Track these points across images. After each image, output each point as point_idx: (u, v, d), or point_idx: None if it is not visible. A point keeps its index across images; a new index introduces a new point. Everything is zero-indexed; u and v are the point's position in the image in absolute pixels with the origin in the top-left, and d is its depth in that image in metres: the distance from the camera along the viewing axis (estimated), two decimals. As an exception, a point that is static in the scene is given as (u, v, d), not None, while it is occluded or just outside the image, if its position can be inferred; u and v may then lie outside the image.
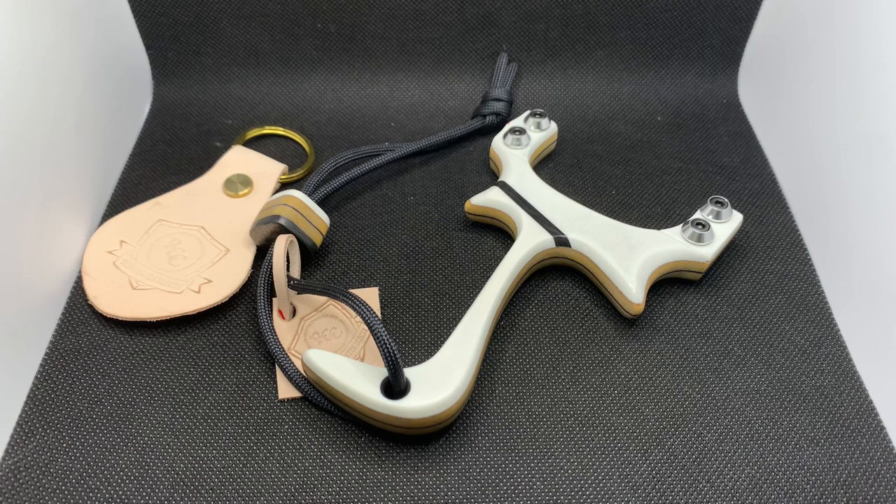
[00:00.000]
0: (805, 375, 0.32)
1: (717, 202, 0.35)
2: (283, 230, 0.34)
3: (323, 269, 0.36)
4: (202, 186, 0.39)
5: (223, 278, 0.34)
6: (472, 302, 0.33)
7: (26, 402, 0.30)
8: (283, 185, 0.40)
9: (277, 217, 0.34)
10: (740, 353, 0.33)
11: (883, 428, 0.31)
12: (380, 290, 0.35)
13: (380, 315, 0.34)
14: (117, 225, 0.37)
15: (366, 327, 0.31)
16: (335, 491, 0.28)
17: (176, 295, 0.33)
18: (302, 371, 0.31)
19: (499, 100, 0.44)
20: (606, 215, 0.36)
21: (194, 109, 0.45)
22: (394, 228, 0.38)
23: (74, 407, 0.30)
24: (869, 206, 0.35)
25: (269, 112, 0.45)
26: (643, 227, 0.37)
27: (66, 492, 0.28)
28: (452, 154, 0.43)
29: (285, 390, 0.31)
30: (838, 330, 0.34)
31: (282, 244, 0.32)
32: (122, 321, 0.33)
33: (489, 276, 0.33)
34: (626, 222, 0.37)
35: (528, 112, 0.42)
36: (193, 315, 0.33)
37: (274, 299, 0.34)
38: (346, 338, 0.33)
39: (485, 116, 0.44)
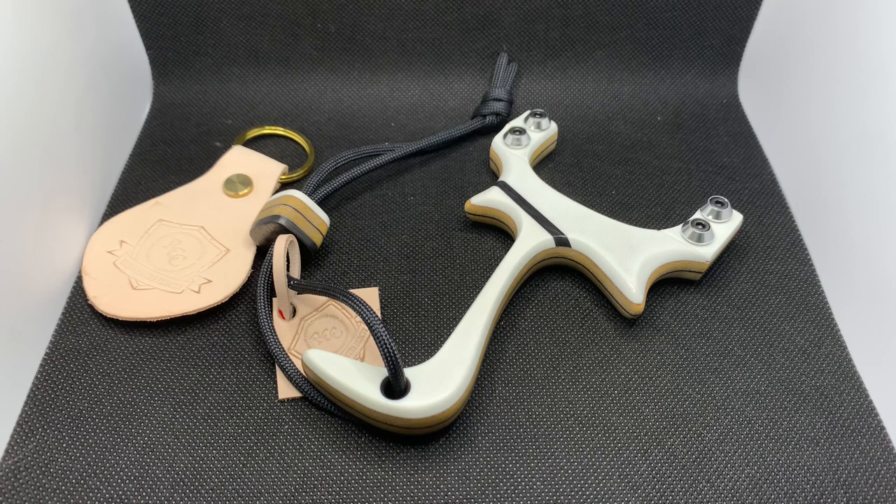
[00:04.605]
0: (805, 375, 0.32)
1: (717, 202, 0.35)
2: (283, 230, 0.34)
3: (323, 269, 0.36)
4: (202, 186, 0.39)
5: (223, 278, 0.34)
6: (472, 302, 0.33)
7: (26, 402, 0.30)
8: (283, 185, 0.40)
9: (277, 217, 0.34)
10: (740, 353, 0.33)
11: (883, 428, 0.31)
12: (380, 290, 0.35)
13: (380, 315, 0.34)
14: (117, 225, 0.37)
15: (366, 327, 0.31)
16: (335, 491, 0.28)
17: (176, 295, 0.33)
18: (302, 371, 0.31)
19: (499, 100, 0.44)
20: (606, 215, 0.36)
21: (194, 109, 0.45)
22: (394, 228, 0.38)
23: (74, 407, 0.30)
24: (869, 206, 0.35)
25: (269, 112, 0.45)
26: (643, 227, 0.37)
27: (66, 492, 0.28)
28: (452, 154, 0.43)
29: (285, 390, 0.31)
30: (838, 330, 0.34)
31: (282, 244, 0.32)
32: (122, 321, 0.33)
33: (489, 276, 0.33)
34: (626, 222, 0.37)
35: (528, 112, 0.42)
36: (193, 315, 0.33)
37: (274, 299, 0.34)
38: (346, 338, 0.33)
39: (485, 116, 0.44)
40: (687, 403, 0.31)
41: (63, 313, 0.34)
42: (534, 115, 0.42)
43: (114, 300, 0.33)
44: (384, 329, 0.28)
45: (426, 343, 0.33)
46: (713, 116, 0.45)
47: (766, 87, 0.45)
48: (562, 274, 0.36)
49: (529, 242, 0.34)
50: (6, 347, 0.30)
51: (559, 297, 0.35)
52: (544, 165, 0.42)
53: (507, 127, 0.41)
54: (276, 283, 0.32)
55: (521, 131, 0.40)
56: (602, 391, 0.32)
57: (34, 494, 0.28)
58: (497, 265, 0.34)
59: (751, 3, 0.45)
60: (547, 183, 0.38)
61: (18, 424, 0.30)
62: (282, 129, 0.43)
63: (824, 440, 0.30)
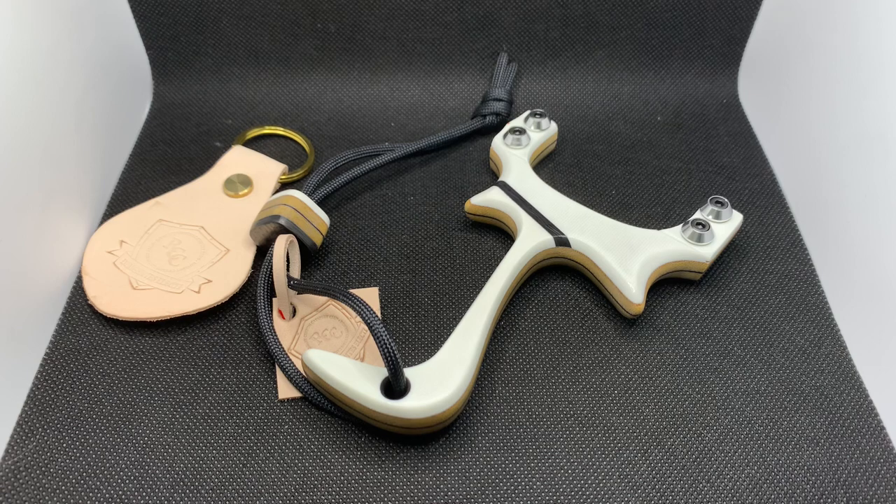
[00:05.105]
0: (805, 375, 0.32)
1: (717, 202, 0.35)
2: (283, 230, 0.34)
3: (323, 269, 0.36)
4: (202, 186, 0.39)
5: (223, 278, 0.34)
6: (472, 302, 0.33)
7: (26, 402, 0.30)
8: (283, 185, 0.40)
9: (277, 217, 0.34)
10: (740, 353, 0.33)
11: (883, 428, 0.31)
12: (380, 290, 0.35)
13: (380, 315, 0.34)
14: (117, 225, 0.37)
15: (366, 327, 0.31)
16: (335, 491, 0.28)
17: (176, 295, 0.33)
18: (302, 371, 0.31)
19: (499, 100, 0.44)
20: (606, 215, 0.36)
21: (194, 109, 0.45)
22: (394, 228, 0.38)
23: (74, 407, 0.30)
24: (869, 206, 0.35)
25: (269, 112, 0.45)
26: (643, 227, 0.37)
27: (66, 492, 0.28)
28: (452, 154, 0.43)
29: (285, 390, 0.31)
30: (838, 330, 0.34)
31: (282, 244, 0.32)
32: (122, 321, 0.33)
33: (489, 276, 0.33)
34: (626, 222, 0.37)
35: (528, 112, 0.42)
36: (193, 315, 0.33)
37: (274, 299, 0.34)
38: (346, 338, 0.33)
39: (485, 116, 0.44)
40: (687, 403, 0.31)
41: (63, 313, 0.34)
42: (534, 115, 0.42)
43: (114, 300, 0.33)
44: (384, 329, 0.28)
45: (426, 343, 0.33)
46: (713, 116, 0.45)
47: (766, 87, 0.45)
48: (562, 274, 0.36)
49: (529, 242, 0.34)
50: (6, 347, 0.30)
51: (559, 297, 0.35)
52: (544, 165, 0.42)
53: (507, 127, 0.41)
54: (276, 283, 0.32)
55: (521, 131, 0.40)
56: (602, 391, 0.32)
57: (34, 494, 0.28)
58: (497, 265, 0.34)
59: (751, 3, 0.45)
60: (547, 183, 0.38)
61: (18, 424, 0.30)
62: (282, 129, 0.43)
63: (824, 440, 0.30)
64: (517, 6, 0.44)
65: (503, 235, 0.38)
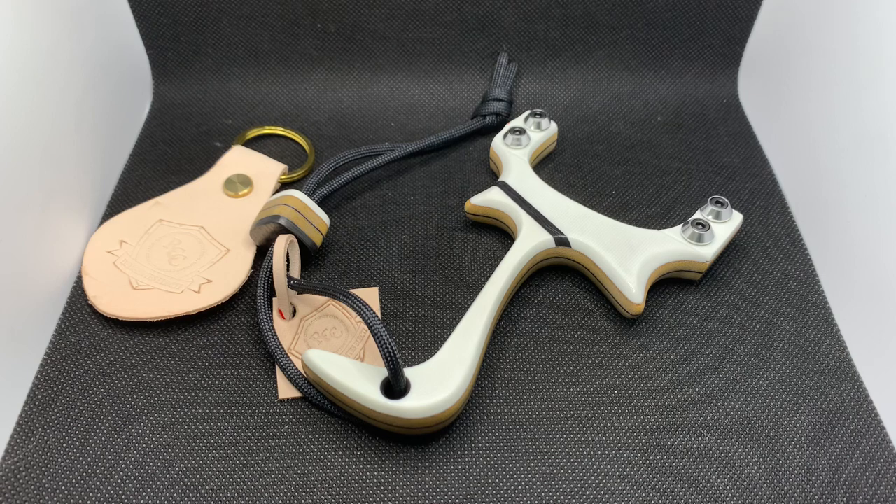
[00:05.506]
0: (805, 375, 0.32)
1: (717, 202, 0.35)
2: (283, 230, 0.34)
3: (323, 269, 0.36)
4: (202, 186, 0.39)
5: (223, 278, 0.34)
6: (472, 302, 0.33)
7: (26, 402, 0.30)
8: (283, 185, 0.40)
9: (277, 217, 0.34)
10: (740, 353, 0.33)
11: (883, 428, 0.31)
12: (380, 290, 0.35)
13: (380, 315, 0.34)
14: (117, 225, 0.37)
15: (366, 327, 0.31)
16: (335, 491, 0.28)
17: (176, 295, 0.33)
18: (302, 371, 0.31)
19: (499, 100, 0.44)
20: (606, 215, 0.36)
21: (194, 109, 0.45)
22: (394, 228, 0.38)
23: (74, 407, 0.30)
24: (869, 206, 0.35)
25: (269, 112, 0.45)
26: (643, 227, 0.37)
27: (66, 492, 0.28)
28: (452, 154, 0.43)
29: (285, 390, 0.31)
30: (838, 330, 0.34)
31: (282, 244, 0.32)
32: (122, 321, 0.33)
33: (489, 276, 0.33)
34: (626, 222, 0.37)
35: (528, 112, 0.42)
36: (193, 315, 0.33)
37: (274, 299, 0.34)
38: (346, 338, 0.33)
39: (485, 116, 0.44)
40: (687, 403, 0.31)
41: (63, 313, 0.34)
42: (534, 115, 0.42)
43: (114, 300, 0.33)
44: (384, 329, 0.28)
45: (426, 343, 0.33)
46: (713, 116, 0.45)
47: (766, 87, 0.45)
48: (562, 274, 0.36)
49: (529, 242, 0.34)
50: (6, 347, 0.30)
51: (559, 297, 0.35)
52: (544, 165, 0.42)
53: (507, 127, 0.41)
54: (276, 283, 0.32)
55: (521, 131, 0.40)
56: (602, 391, 0.32)
57: (34, 494, 0.28)
58: (497, 265, 0.34)
59: (751, 3, 0.45)
60: (547, 183, 0.38)
61: (18, 424, 0.30)
62: (282, 129, 0.43)
63: (824, 440, 0.30)
64: (517, 6, 0.44)
65: (503, 235, 0.38)
